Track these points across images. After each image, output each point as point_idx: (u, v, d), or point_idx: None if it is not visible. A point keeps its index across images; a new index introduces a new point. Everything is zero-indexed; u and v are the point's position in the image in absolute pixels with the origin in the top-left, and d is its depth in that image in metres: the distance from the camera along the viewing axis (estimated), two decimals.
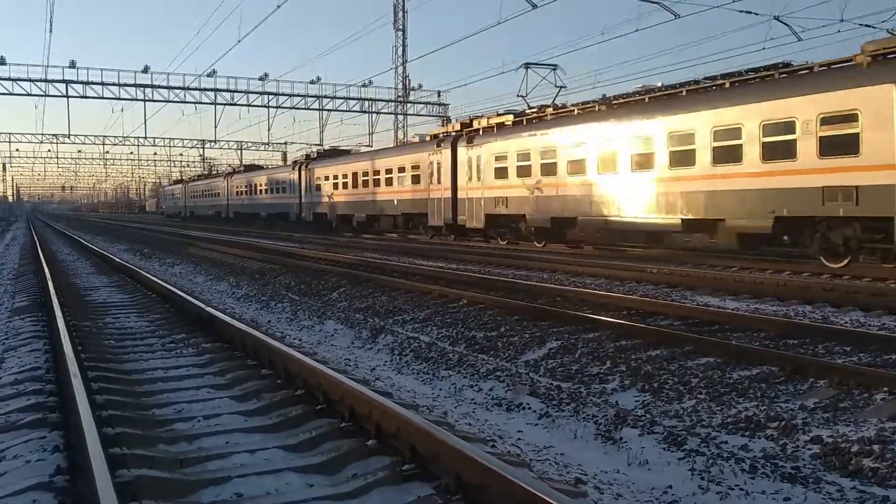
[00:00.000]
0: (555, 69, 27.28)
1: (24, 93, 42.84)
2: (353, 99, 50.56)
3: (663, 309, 10.51)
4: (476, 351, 8.81)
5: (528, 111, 25.81)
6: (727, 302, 11.95)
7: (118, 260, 20.53)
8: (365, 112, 52.07)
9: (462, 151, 27.50)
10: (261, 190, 51.72)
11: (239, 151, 70.77)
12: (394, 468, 4.44)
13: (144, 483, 4.18)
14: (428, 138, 32.12)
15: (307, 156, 45.95)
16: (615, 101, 21.57)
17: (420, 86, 53.32)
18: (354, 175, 36.68)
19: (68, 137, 57.45)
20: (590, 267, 16.85)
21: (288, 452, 4.91)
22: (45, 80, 42.67)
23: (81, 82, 43.38)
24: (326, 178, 40.10)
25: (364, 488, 4.24)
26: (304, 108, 50.43)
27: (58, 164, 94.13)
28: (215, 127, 52.25)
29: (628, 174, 19.92)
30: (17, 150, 77.69)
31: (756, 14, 25.58)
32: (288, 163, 53.62)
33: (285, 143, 65.33)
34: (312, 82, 48.66)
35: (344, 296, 13.64)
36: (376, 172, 34.45)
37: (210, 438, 5.24)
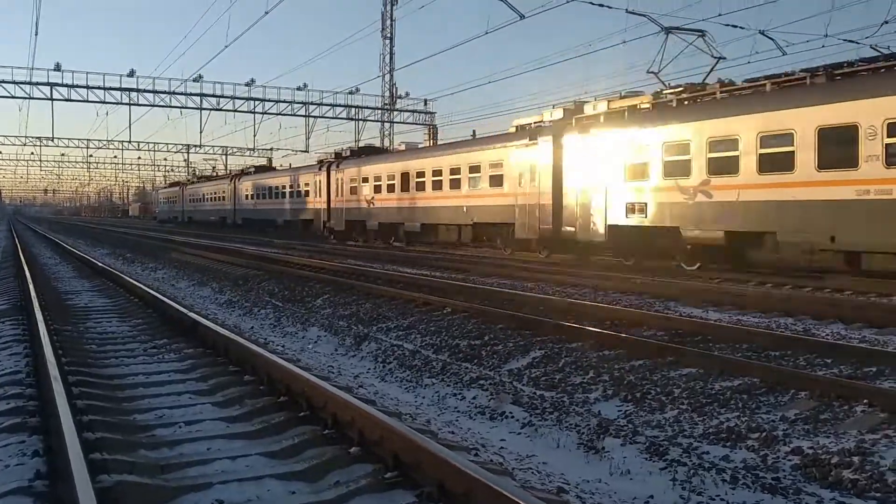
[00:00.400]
0: (703, 35, 21.54)
1: (8, 95, 42.61)
2: (340, 106, 50.60)
3: (647, 319, 10.55)
4: (460, 359, 8.81)
5: (666, 91, 19.97)
6: (710, 313, 12.01)
7: (100, 264, 20.40)
8: (351, 119, 52.13)
9: (572, 143, 21.30)
10: (277, 193, 45.15)
11: (224, 157, 70.64)
12: (376, 476, 4.43)
13: (125, 489, 4.15)
14: (513, 129, 25.42)
15: (337, 154, 39.79)
16: (838, 72, 15.54)
17: (407, 94, 53.46)
18: (404, 176, 30.43)
19: (52, 140, 57.47)
20: (574, 277, 16.89)
21: (270, 459, 4.89)
22: (30, 83, 42.47)
23: (66, 85, 43.19)
24: (364, 180, 33.78)
25: (346, 496, 4.24)
26: (291, 115, 50.41)
27: (41, 166, 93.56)
28: (200, 132, 52.24)
29: (880, 171, 13.88)
30: (0, 152, 77.14)
31: (742, 28, 25.82)
32: (306, 163, 47.38)
33: (271, 149, 65.31)
34: (299, 89, 48.77)
35: (328, 303, 13.60)
36: (436, 172, 28.15)
37: (191, 444, 5.21)
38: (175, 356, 8.37)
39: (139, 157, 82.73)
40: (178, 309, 10.68)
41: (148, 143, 68.66)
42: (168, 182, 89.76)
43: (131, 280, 15.31)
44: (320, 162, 40.45)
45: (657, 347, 8.45)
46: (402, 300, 13.09)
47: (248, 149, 63.16)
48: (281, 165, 43.37)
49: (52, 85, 42.80)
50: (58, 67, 42.76)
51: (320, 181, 38.59)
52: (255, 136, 57.75)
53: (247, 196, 51.26)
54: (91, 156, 75.81)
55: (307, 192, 40.41)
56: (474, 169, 26.13)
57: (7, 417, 5.69)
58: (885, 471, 4.92)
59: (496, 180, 24.90)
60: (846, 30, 61.73)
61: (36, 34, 31.41)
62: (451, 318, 11.14)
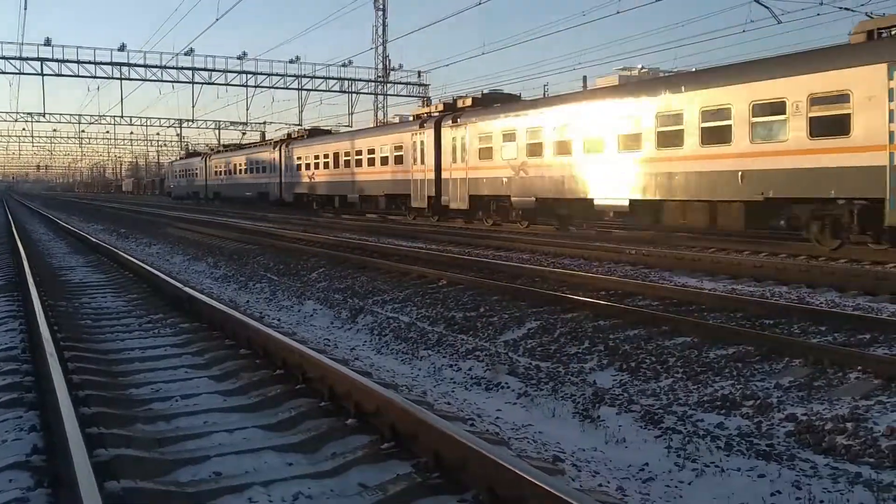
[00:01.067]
0: None
1: None
2: (333, 79, 50.31)
3: (641, 289, 10.58)
4: (455, 331, 8.83)
5: None
6: (704, 282, 12.03)
7: (94, 240, 20.33)
8: (344, 92, 51.91)
9: None
10: (347, 161, 35.17)
11: (217, 131, 70.16)
12: (373, 447, 4.45)
13: (123, 462, 4.17)
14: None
15: (447, 105, 29.71)
16: None
17: (400, 66, 53.23)
18: (597, 128, 20.41)
19: (43, 116, 57.03)
20: (569, 248, 16.90)
21: (267, 432, 4.91)
22: (20, 58, 42.14)
23: (57, 60, 42.84)
24: (509, 138, 24.01)
25: (343, 466, 4.25)
26: (283, 88, 50.08)
27: (32, 142, 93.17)
28: (192, 106, 51.86)
29: None
30: None
31: None
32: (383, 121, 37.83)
33: (264, 124, 64.86)
34: (291, 62, 48.40)
35: (323, 276, 13.60)
36: (666, 119, 18.08)
37: (188, 418, 5.22)
38: (171, 331, 8.37)
39: (131, 132, 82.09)
40: (173, 284, 10.66)
41: (140, 117, 68.07)
42: (185, 152, 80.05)
43: (126, 255, 15.27)
44: (419, 116, 31.21)
45: (652, 317, 8.48)
46: (398, 273, 13.09)
47: (241, 123, 62.76)
48: (418, 114, 31.30)
49: (42, 60, 42.47)
50: (48, 42, 42.44)
51: (422, 143, 28.82)
52: (247, 109, 57.26)
53: (298, 166, 41.06)
54: (83, 131, 75.31)
55: (398, 159, 30.80)
56: (762, 110, 15.79)
57: (4, 393, 5.70)
58: (879, 436, 4.96)
59: (823, 124, 14.61)
60: None
61: (25, 8, 31.12)
62: (446, 291, 11.15)
